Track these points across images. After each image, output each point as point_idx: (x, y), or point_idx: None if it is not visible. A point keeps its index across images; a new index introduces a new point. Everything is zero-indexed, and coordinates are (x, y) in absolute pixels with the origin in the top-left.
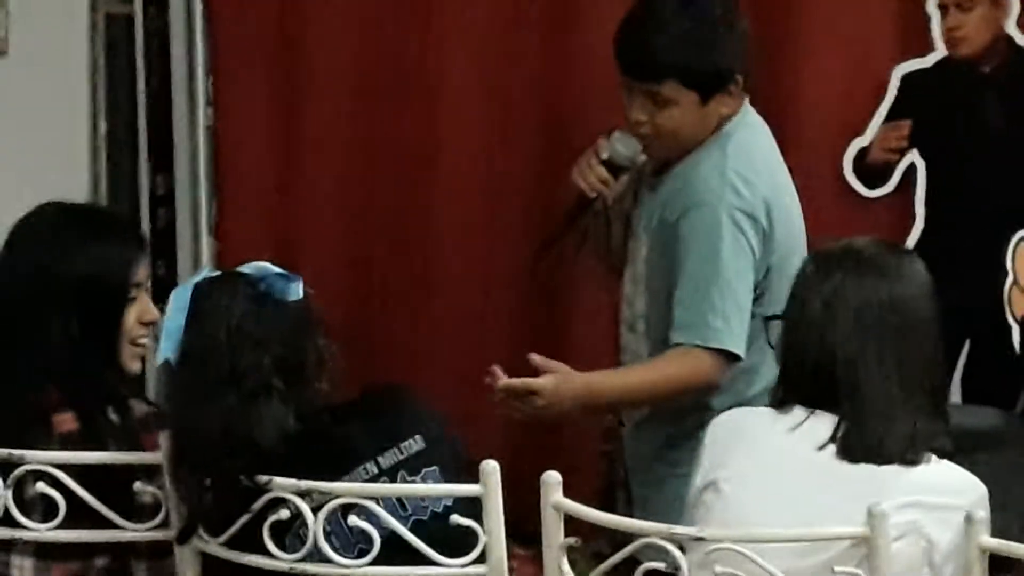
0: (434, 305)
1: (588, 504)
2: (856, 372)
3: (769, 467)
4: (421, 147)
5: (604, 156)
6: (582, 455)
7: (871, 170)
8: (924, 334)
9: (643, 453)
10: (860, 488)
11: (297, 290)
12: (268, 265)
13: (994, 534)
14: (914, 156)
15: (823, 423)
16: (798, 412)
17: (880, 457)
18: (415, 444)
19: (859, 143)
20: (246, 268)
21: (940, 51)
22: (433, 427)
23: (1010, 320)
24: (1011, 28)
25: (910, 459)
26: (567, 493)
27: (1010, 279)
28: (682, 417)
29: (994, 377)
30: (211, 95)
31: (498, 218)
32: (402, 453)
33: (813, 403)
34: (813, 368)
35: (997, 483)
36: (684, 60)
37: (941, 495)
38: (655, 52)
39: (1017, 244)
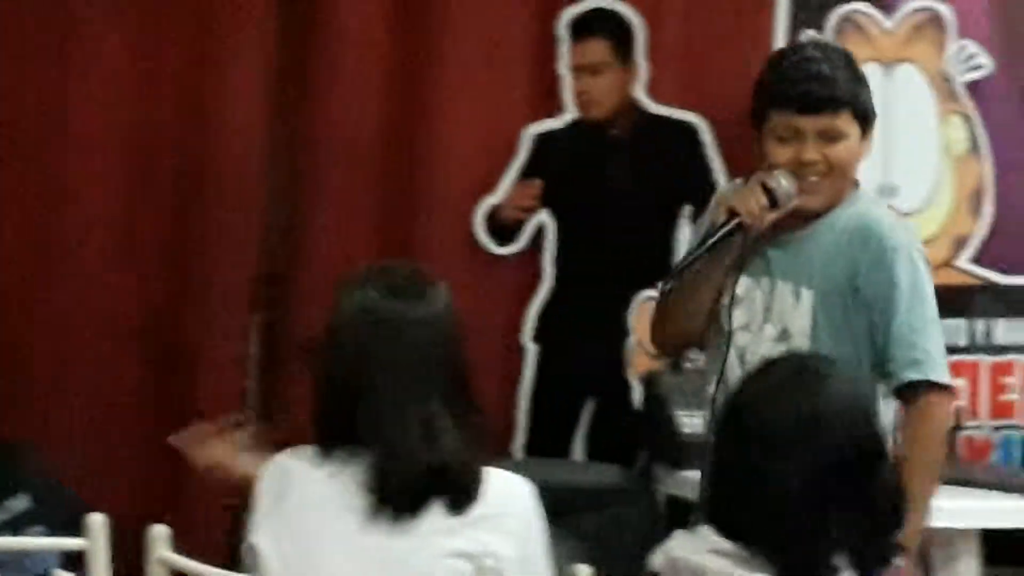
0: (61, 355)
1: (213, 561)
2: (377, 393)
3: (310, 523)
4: (51, 197)
5: (771, 185)
6: (210, 510)
7: (502, 228)
8: (450, 353)
9: None
10: (411, 532)
11: None
12: None
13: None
14: (544, 215)
15: (359, 464)
16: (339, 454)
17: (419, 494)
18: (20, 503)
19: (491, 201)
20: None
21: (572, 112)
22: (44, 486)
23: (631, 379)
24: (639, 93)
25: (462, 488)
26: (193, 549)
27: (633, 338)
28: None
29: (616, 435)
30: None
31: (131, 271)
32: (5, 513)
33: (348, 440)
34: (342, 393)
35: (599, 539)
36: (855, 91)
37: (500, 508)
38: (833, 82)
39: (639, 304)
